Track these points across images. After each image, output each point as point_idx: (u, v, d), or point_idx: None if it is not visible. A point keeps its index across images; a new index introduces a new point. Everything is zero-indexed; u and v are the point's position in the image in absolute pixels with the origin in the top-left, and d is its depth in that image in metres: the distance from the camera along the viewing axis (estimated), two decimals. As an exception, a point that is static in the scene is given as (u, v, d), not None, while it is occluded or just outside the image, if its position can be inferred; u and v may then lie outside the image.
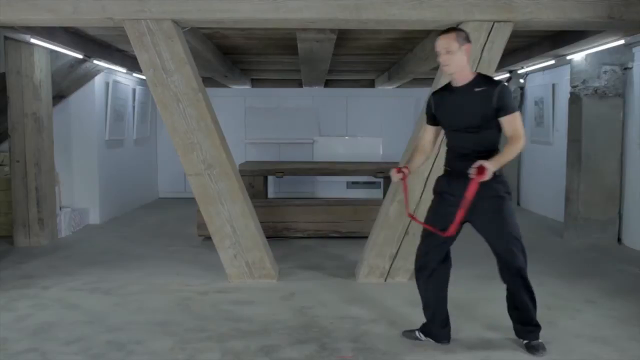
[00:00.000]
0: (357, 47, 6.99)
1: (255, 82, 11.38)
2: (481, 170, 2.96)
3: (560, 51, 6.19)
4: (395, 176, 3.34)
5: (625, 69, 6.22)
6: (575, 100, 6.43)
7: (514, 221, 3.26)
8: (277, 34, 5.99)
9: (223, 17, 4.21)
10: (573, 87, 6.44)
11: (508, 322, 3.53)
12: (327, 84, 10.97)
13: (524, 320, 3.39)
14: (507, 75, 8.33)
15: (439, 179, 3.42)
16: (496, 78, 3.32)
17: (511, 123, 3.12)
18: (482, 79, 3.23)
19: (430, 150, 3.51)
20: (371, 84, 11.51)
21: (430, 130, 3.46)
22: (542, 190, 8.33)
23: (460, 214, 3.10)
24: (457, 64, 3.18)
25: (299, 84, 10.82)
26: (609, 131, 6.27)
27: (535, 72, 8.27)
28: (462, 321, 3.83)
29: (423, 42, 6.40)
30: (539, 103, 8.28)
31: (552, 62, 7.01)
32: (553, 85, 7.83)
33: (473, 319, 3.91)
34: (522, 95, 8.98)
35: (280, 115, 10.20)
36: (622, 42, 5.46)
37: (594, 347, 3.43)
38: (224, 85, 10.52)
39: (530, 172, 8.81)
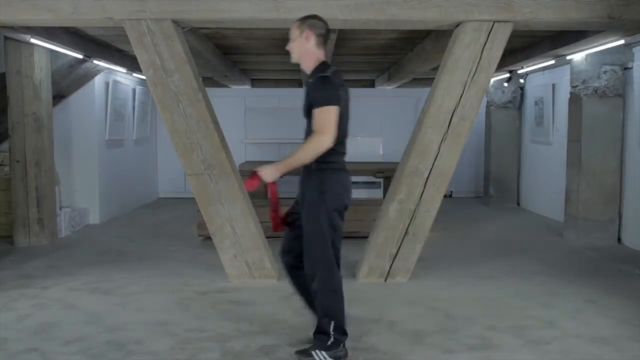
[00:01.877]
0: (357, 47, 6.99)
1: (255, 82, 11.37)
2: (253, 175, 2.73)
3: (560, 51, 6.19)
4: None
5: (625, 69, 6.22)
6: (575, 100, 6.43)
7: (315, 226, 2.99)
8: (277, 34, 5.98)
9: (223, 17, 4.22)
10: (573, 87, 6.44)
11: (508, 322, 3.53)
12: (327, 84, 10.94)
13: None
14: (507, 75, 8.33)
15: None
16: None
17: (315, 117, 2.90)
18: (316, 69, 3.03)
19: None
20: (371, 84, 11.51)
21: None
22: (542, 190, 8.32)
23: (272, 214, 2.95)
24: (296, 52, 3.08)
25: (299, 84, 10.82)
26: (609, 131, 6.27)
27: (535, 72, 8.26)
28: (461, 321, 3.83)
29: (423, 42, 6.40)
30: (539, 103, 8.28)
31: (552, 62, 7.00)
32: (553, 85, 7.83)
33: (473, 318, 3.90)
34: (522, 95, 8.98)
35: (280, 115, 10.20)
36: (622, 42, 5.45)
37: (594, 347, 3.42)
38: (224, 85, 10.52)
39: (530, 172, 8.81)
